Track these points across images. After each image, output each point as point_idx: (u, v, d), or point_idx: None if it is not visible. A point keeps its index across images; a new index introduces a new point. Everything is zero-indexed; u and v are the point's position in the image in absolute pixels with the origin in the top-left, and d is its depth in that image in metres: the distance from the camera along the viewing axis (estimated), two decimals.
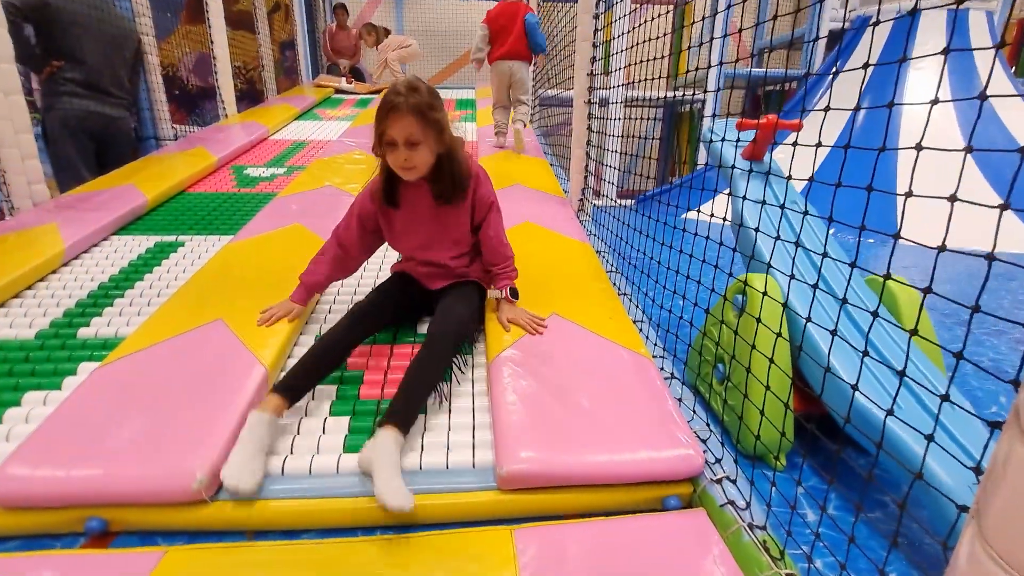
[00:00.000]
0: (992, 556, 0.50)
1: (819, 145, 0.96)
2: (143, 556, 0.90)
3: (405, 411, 1.08)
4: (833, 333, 0.92)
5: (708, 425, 1.07)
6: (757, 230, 1.06)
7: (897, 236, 0.72)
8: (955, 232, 0.63)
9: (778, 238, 1.04)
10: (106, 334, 1.50)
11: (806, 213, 0.96)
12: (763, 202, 1.05)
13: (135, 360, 1.28)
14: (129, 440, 1.03)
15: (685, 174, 6.63)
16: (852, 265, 0.87)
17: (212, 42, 3.80)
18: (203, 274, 1.70)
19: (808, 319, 0.98)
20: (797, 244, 0.95)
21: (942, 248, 0.63)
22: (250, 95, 6.10)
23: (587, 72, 2.10)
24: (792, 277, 1.01)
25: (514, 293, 1.46)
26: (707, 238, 1.24)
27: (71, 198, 2.36)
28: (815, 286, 0.93)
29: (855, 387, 0.88)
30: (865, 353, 0.88)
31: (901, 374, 0.78)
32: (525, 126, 3.20)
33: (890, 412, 0.78)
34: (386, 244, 1.48)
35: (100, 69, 2.79)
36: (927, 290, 0.66)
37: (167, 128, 3.56)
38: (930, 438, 0.70)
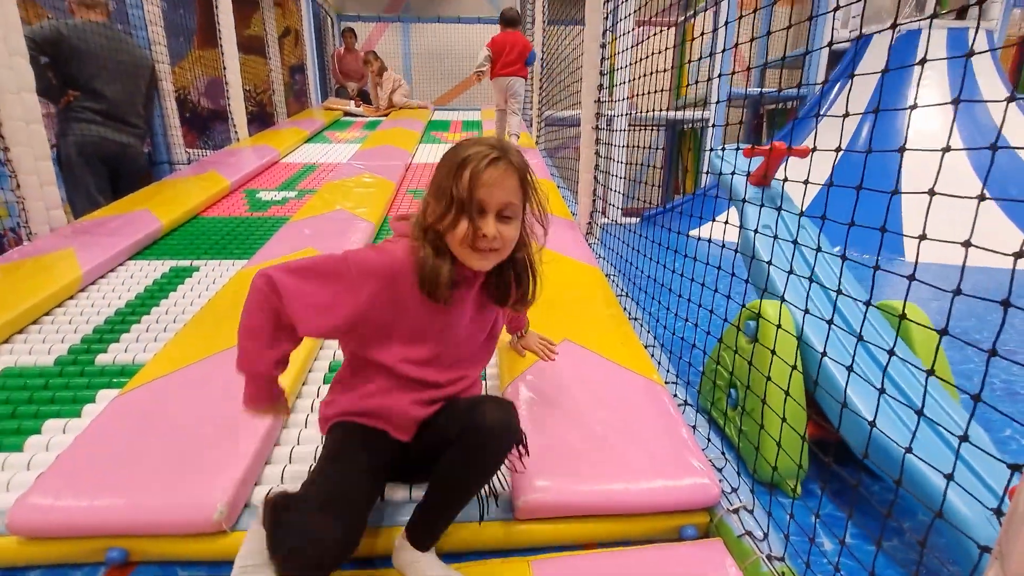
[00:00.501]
0: None
1: (831, 185, 0.98)
2: None
3: (439, 531, 0.92)
4: (849, 369, 0.93)
5: (723, 454, 1.08)
6: (770, 263, 1.08)
7: (912, 278, 0.74)
8: (959, 250, 0.63)
9: (791, 272, 1.05)
10: (124, 360, 1.52)
11: (819, 250, 0.98)
12: (775, 236, 1.07)
13: (153, 389, 1.30)
14: (150, 470, 1.05)
15: (689, 192, 6.67)
16: (867, 304, 0.88)
17: (224, 68, 3.89)
18: (218, 300, 1.73)
19: (824, 354, 0.99)
20: (811, 279, 0.96)
21: (957, 292, 0.65)
22: (260, 118, 6.21)
23: (595, 99, 2.14)
24: (806, 312, 1.03)
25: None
26: (718, 268, 1.25)
27: (87, 223, 2.41)
28: (830, 322, 0.95)
29: (872, 424, 0.88)
30: (882, 391, 0.88)
31: (919, 414, 0.79)
32: (518, 138, 3.80)
33: (909, 450, 0.79)
34: None
35: (117, 99, 2.86)
36: (943, 332, 0.68)
37: (180, 152, 3.63)
38: (950, 477, 0.70)
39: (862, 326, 0.91)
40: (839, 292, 0.93)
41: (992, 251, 0.61)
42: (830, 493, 1.23)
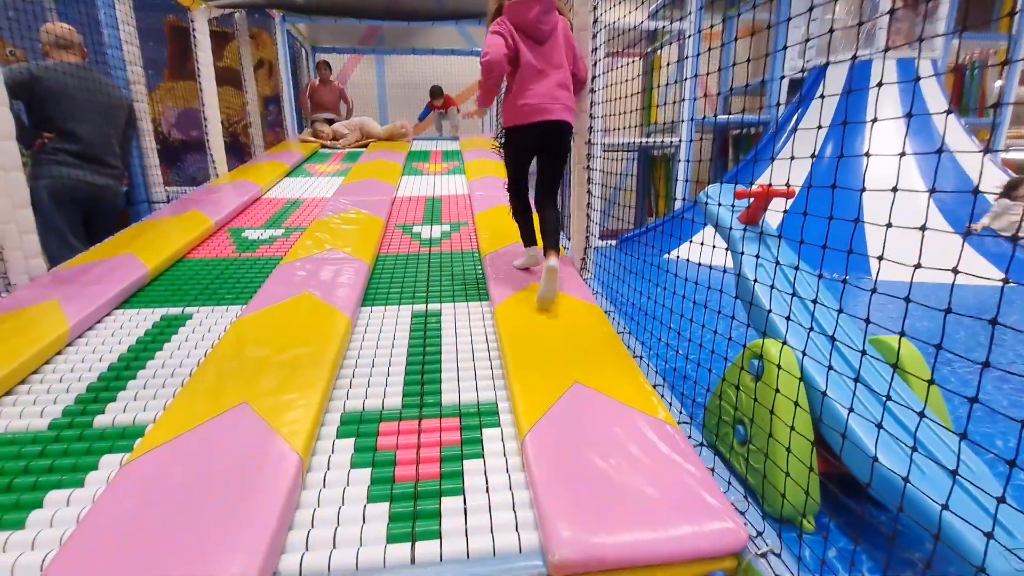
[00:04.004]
0: None
1: (805, 214, 1.06)
2: None
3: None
4: (850, 410, 0.99)
5: (746, 498, 1.12)
6: (769, 312, 1.14)
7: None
8: (922, 269, 0.77)
9: (789, 318, 1.12)
10: (124, 421, 1.48)
11: (815, 301, 1.05)
12: (772, 286, 1.13)
13: (162, 454, 1.26)
14: (171, 546, 1.02)
15: (663, 214, 6.86)
16: (862, 352, 0.95)
17: (203, 104, 3.85)
18: (219, 352, 1.70)
19: (824, 393, 1.06)
20: (811, 329, 1.03)
21: (938, 347, 0.72)
22: (233, 149, 6.15)
23: (585, 140, 2.22)
24: (804, 353, 1.09)
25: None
26: (718, 312, 1.31)
27: (69, 271, 2.33)
28: (830, 367, 1.01)
29: (875, 459, 0.94)
30: (879, 426, 0.95)
31: (913, 449, 0.85)
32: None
33: (907, 480, 0.85)
34: None
35: (92, 140, 2.81)
36: (931, 382, 0.74)
37: (159, 192, 3.56)
38: (945, 507, 0.76)
39: (859, 368, 0.98)
40: (833, 338, 1.00)
41: (936, 268, 0.68)
42: (840, 527, 1.29)
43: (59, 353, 1.82)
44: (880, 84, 0.98)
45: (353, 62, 7.33)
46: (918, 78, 0.90)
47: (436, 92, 6.29)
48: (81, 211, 2.83)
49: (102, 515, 1.09)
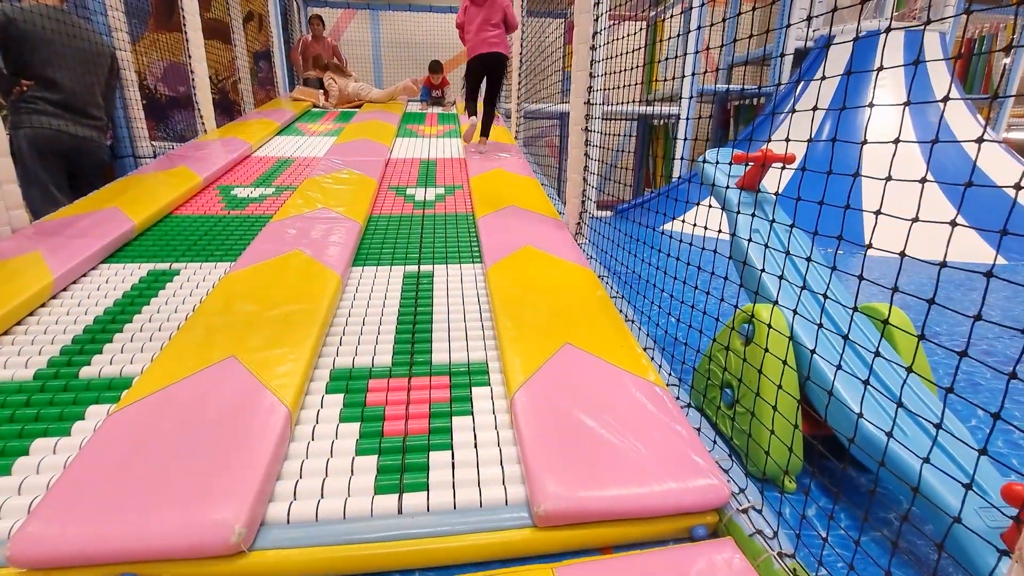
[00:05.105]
0: None
1: (804, 170, 1.04)
2: None
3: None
4: (838, 367, 1.00)
5: (730, 456, 1.13)
6: (763, 271, 1.13)
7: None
8: (916, 243, 0.76)
9: (782, 278, 1.11)
10: (110, 373, 1.47)
11: (810, 259, 1.04)
12: (767, 245, 1.12)
13: (149, 404, 1.26)
14: (157, 492, 1.02)
15: (661, 186, 6.79)
16: (853, 309, 0.94)
17: (190, 56, 3.71)
18: (207, 307, 1.68)
19: (814, 351, 1.06)
20: (803, 287, 1.02)
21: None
22: (222, 106, 5.97)
23: (584, 100, 2.16)
24: (795, 312, 1.09)
25: None
26: (711, 272, 1.30)
27: (52, 224, 2.28)
28: (820, 325, 1.01)
29: (860, 415, 0.95)
30: (866, 383, 0.95)
31: (899, 405, 0.86)
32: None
33: (890, 435, 0.86)
34: None
35: (74, 89, 2.70)
36: (921, 336, 0.74)
37: (145, 146, 3.46)
38: (926, 460, 0.77)
39: (849, 328, 0.98)
40: (826, 296, 0.99)
41: (935, 221, 0.69)
42: (821, 487, 1.31)
43: (43, 305, 1.80)
44: (889, 29, 0.93)
45: (347, 18, 7.07)
46: (929, 21, 0.87)
47: (436, 67, 5.63)
48: (64, 163, 2.74)
49: (89, 461, 1.09)
